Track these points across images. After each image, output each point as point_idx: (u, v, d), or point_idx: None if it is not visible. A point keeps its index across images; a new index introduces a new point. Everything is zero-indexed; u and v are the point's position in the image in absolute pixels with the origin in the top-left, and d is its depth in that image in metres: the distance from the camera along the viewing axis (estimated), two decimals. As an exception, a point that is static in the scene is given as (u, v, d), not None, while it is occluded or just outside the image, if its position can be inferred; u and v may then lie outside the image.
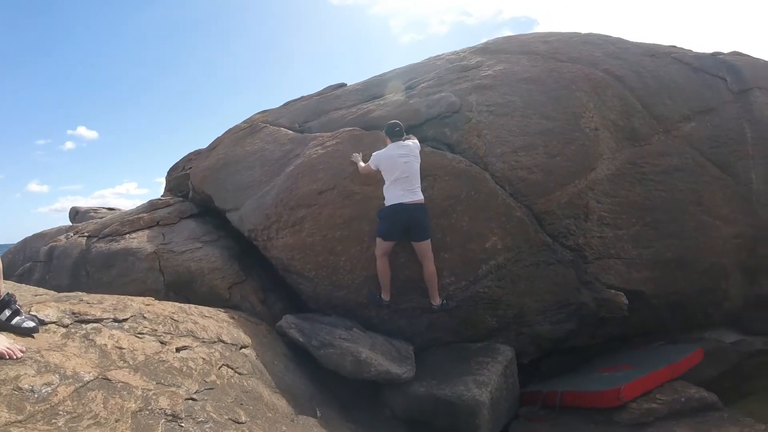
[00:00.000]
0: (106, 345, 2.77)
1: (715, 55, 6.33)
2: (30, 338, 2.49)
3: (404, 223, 4.36)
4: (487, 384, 3.85)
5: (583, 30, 6.77)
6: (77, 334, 2.78)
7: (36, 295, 4.49)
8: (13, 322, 2.47)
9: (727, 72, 6.02)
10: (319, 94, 7.03)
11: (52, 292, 4.76)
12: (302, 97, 7.24)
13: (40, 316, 2.78)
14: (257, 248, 5.33)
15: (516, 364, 4.51)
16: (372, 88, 6.32)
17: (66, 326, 2.85)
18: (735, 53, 6.45)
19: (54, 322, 2.82)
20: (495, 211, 4.63)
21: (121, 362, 2.62)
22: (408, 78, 6.09)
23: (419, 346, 4.68)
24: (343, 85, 7.10)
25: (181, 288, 5.41)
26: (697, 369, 4.56)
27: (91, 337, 2.80)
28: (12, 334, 2.42)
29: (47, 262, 6.41)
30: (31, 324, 2.56)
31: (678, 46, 6.44)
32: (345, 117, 5.85)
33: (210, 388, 2.69)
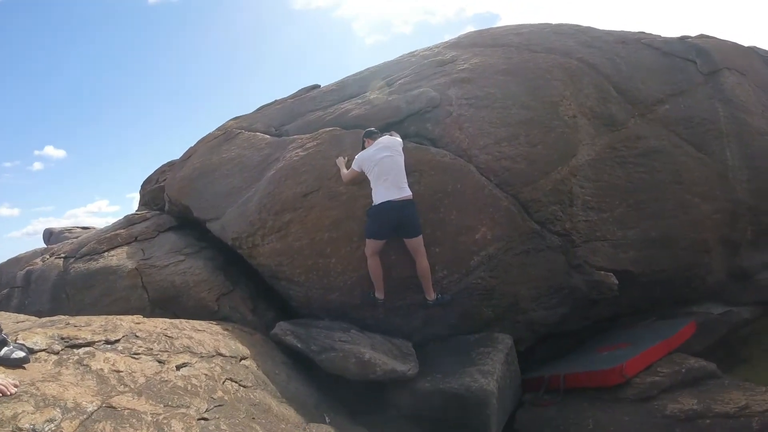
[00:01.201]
0: (102, 369, 2.64)
1: (683, 39, 6.51)
2: (21, 369, 2.35)
3: (393, 221, 4.34)
4: (492, 373, 3.86)
5: (549, 22, 6.86)
6: (70, 360, 2.65)
7: (18, 322, 4.30)
8: (1, 353, 2.34)
9: (696, 55, 6.20)
10: (293, 96, 6.93)
11: (34, 318, 4.56)
12: (276, 101, 7.13)
13: (28, 344, 2.64)
14: (242, 257, 5.21)
15: (515, 352, 4.53)
16: (348, 88, 6.27)
17: (57, 353, 2.72)
18: (702, 36, 6.65)
19: (44, 350, 2.68)
20: (482, 203, 4.65)
21: (122, 387, 2.50)
22: (384, 75, 6.06)
23: (416, 342, 4.65)
24: (317, 86, 7.02)
25: (167, 303, 5.24)
26: (689, 341, 4.69)
27: (85, 362, 2.68)
28: (1, 367, 2.28)
29: (25, 287, 6.14)
30: (21, 354, 2.42)
31: (646, 32, 6.60)
32: (323, 118, 5.78)
33: (219, 405, 2.60)
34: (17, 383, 2.14)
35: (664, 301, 5.48)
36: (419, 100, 5.15)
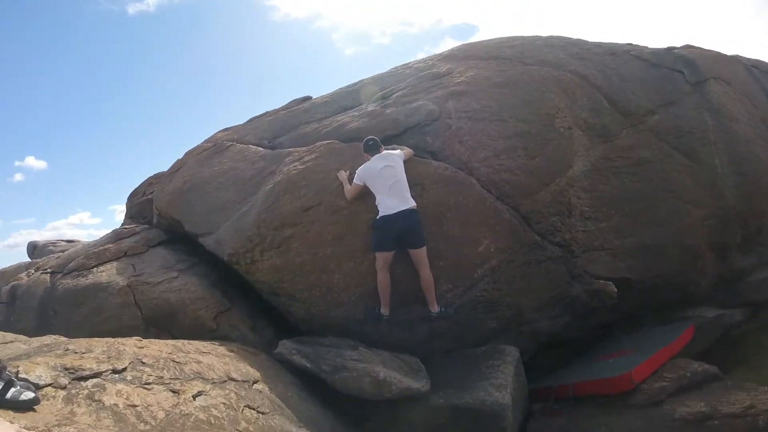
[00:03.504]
0: (117, 405, 2.51)
1: (670, 49, 6.71)
2: (31, 411, 2.19)
3: (399, 231, 4.35)
4: (505, 386, 3.90)
5: (528, 34, 6.97)
6: (80, 396, 2.50)
7: (6, 342, 4.12)
8: (9, 395, 2.16)
9: (683, 65, 6.39)
10: (284, 108, 6.85)
11: (23, 337, 4.38)
12: (267, 112, 7.04)
13: (32, 378, 2.47)
14: (237, 273, 5.11)
15: (522, 363, 4.57)
16: (342, 100, 6.24)
17: (64, 387, 2.56)
18: (688, 47, 6.88)
19: (50, 384, 2.51)
20: (485, 215, 4.69)
21: (143, 425, 2.39)
22: (379, 88, 6.05)
23: (421, 356, 4.63)
24: (308, 98, 6.95)
25: (162, 322, 5.10)
26: (688, 345, 4.84)
27: (96, 396, 2.54)
28: (10, 411, 2.11)
29: (10, 302, 5.92)
30: (30, 395, 2.24)
31: (633, 43, 6.78)
32: (318, 130, 5.72)
33: (246, 437, 2.53)
34: None
35: (660, 306, 5.62)
36: (418, 113, 5.15)
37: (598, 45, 6.55)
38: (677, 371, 4.19)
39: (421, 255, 4.40)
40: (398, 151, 4.74)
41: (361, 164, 4.69)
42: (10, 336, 4.45)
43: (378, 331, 4.67)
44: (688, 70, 6.33)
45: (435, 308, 4.51)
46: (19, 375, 2.45)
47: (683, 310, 5.64)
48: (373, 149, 4.71)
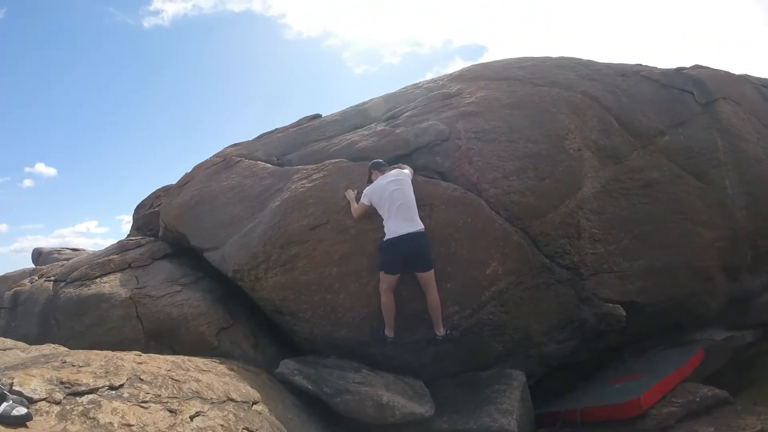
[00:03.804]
0: (112, 424, 2.46)
1: (679, 70, 6.69)
2: (23, 428, 2.15)
3: (406, 255, 4.26)
4: (511, 412, 3.82)
5: (537, 54, 6.97)
6: (74, 412, 2.46)
7: (5, 349, 4.09)
8: (1, 410, 2.15)
9: (693, 86, 6.36)
10: (294, 125, 6.87)
11: (22, 345, 4.38)
12: (276, 129, 7.06)
13: (26, 392, 2.43)
14: (241, 289, 5.06)
15: (528, 387, 4.47)
16: (352, 119, 6.25)
17: (59, 403, 2.52)
18: (697, 66, 6.86)
19: (44, 399, 2.48)
20: (493, 237, 4.62)
21: (137, 446, 2.34)
22: (389, 107, 6.05)
23: (425, 379, 4.56)
24: (318, 116, 6.97)
25: (163, 336, 5.05)
26: (698, 368, 4.74)
27: (91, 414, 2.49)
28: (1, 426, 2.09)
29: (12, 308, 5.92)
30: (23, 410, 2.21)
31: (644, 64, 6.76)
32: (327, 149, 5.71)
33: (243, 462, 2.46)
34: None
35: (669, 328, 5.51)
36: (428, 133, 5.13)
37: (608, 66, 6.54)
38: (686, 396, 4.12)
39: (428, 278, 4.32)
40: (407, 170, 4.71)
41: (367, 182, 4.67)
42: (9, 342, 4.45)
43: (382, 353, 4.60)
44: (697, 91, 6.29)
45: (441, 331, 4.42)
46: (13, 388, 2.41)
47: (692, 333, 5.54)
48: (381, 167, 4.70)
